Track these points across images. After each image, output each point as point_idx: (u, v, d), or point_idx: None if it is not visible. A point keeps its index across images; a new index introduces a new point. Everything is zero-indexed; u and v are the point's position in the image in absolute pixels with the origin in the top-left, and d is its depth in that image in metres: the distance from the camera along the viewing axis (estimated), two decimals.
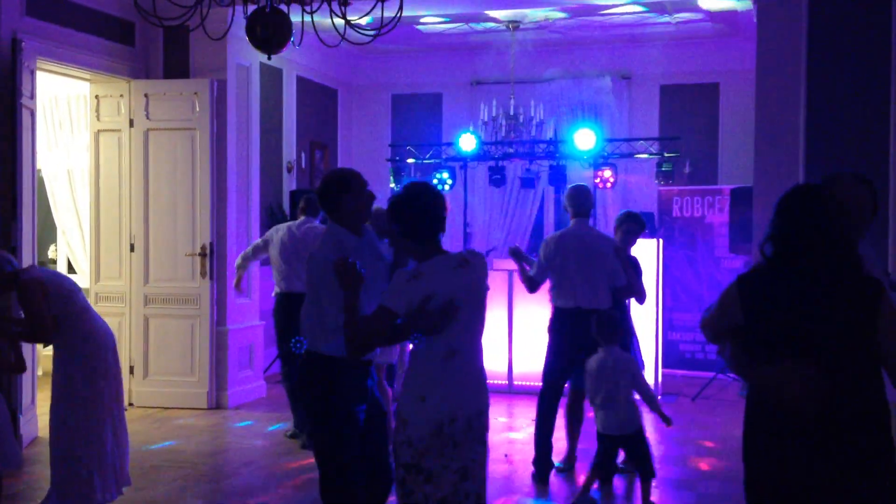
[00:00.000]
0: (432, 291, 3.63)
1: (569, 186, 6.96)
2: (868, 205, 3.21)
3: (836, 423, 2.97)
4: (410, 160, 11.84)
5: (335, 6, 4.72)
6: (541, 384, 6.65)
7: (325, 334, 4.22)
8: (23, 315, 5.13)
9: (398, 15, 4.72)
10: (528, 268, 6.60)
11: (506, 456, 7.25)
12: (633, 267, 6.63)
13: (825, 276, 3.04)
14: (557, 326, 6.48)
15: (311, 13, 4.69)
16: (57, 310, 5.07)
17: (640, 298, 6.68)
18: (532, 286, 6.63)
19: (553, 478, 6.56)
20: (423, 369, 3.71)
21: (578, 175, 11.88)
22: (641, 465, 5.88)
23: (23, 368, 5.37)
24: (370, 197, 4.43)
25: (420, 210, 3.77)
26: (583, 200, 6.58)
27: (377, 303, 3.71)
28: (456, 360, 3.71)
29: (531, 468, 6.68)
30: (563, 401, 6.71)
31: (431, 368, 3.69)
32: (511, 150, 11.44)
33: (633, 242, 6.86)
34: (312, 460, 6.92)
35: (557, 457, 6.73)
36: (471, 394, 3.78)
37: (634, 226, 6.82)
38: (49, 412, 5.20)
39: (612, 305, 6.38)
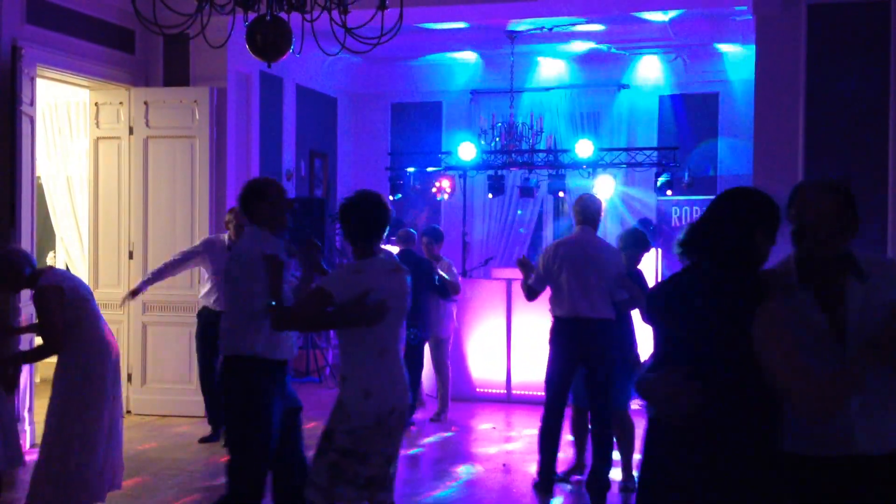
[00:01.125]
0: (371, 287, 4.02)
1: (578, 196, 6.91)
2: (832, 214, 3.03)
3: (706, 432, 2.86)
4: (410, 169, 11.85)
5: (335, 14, 4.72)
6: (539, 394, 6.62)
7: (243, 333, 4.45)
8: (25, 315, 5.14)
9: (398, 23, 4.72)
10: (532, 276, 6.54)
11: (504, 465, 7.23)
12: (640, 287, 6.56)
13: (708, 279, 2.97)
14: (555, 336, 6.35)
15: (312, 21, 4.69)
16: (70, 316, 5.09)
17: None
18: (531, 294, 6.53)
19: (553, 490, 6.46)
20: (363, 367, 4.08)
21: (577, 184, 11.91)
22: None
23: (12, 388, 5.36)
24: (288, 205, 4.77)
25: (363, 214, 4.19)
26: (588, 209, 6.43)
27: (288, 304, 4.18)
28: (387, 357, 4.10)
29: (530, 478, 6.66)
30: (568, 412, 6.60)
31: (370, 365, 4.08)
32: (510, 160, 11.45)
33: (639, 261, 6.74)
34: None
35: (560, 466, 6.67)
36: (402, 389, 4.16)
37: (638, 250, 6.68)
38: (46, 414, 5.19)
39: (616, 317, 6.29)
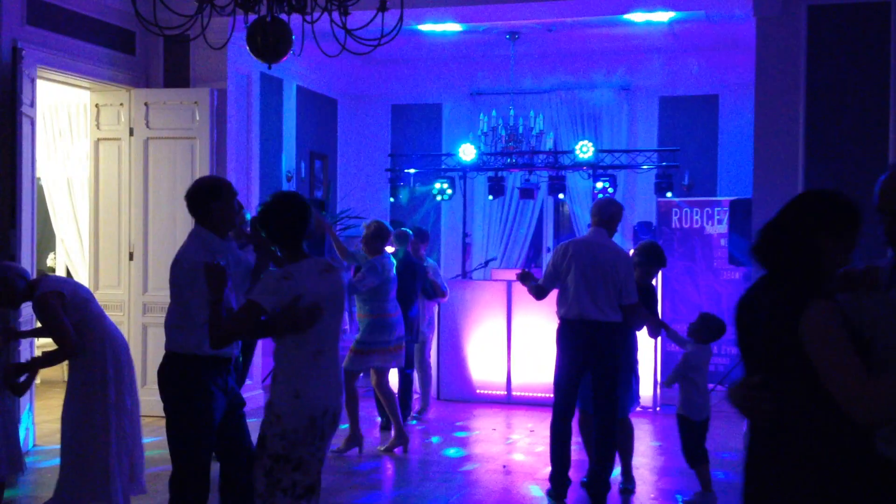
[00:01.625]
0: (301, 292, 3.93)
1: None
2: None
3: (773, 437, 2.81)
4: (412, 170, 11.85)
5: (336, 16, 4.72)
6: (540, 395, 6.57)
7: (187, 333, 4.47)
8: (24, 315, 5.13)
9: (398, 25, 4.73)
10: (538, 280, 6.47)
11: (504, 467, 7.23)
12: (647, 303, 6.55)
13: (770, 290, 2.87)
14: (561, 338, 6.24)
15: (312, 23, 4.69)
16: (75, 318, 5.06)
17: (652, 332, 6.58)
18: (539, 293, 6.39)
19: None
20: (294, 367, 3.99)
21: (578, 186, 11.92)
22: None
23: (23, 393, 5.36)
24: (239, 205, 4.74)
25: (286, 217, 4.06)
26: (604, 210, 6.31)
27: (241, 301, 4.10)
28: (322, 358, 4.03)
29: (530, 479, 6.65)
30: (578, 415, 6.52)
31: (302, 366, 3.99)
32: (510, 161, 11.45)
33: (653, 276, 6.68)
34: None
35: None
36: (336, 391, 4.10)
37: (653, 266, 6.59)
38: (61, 416, 5.20)
39: (623, 321, 6.18)
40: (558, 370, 6.25)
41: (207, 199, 4.53)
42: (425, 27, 10.42)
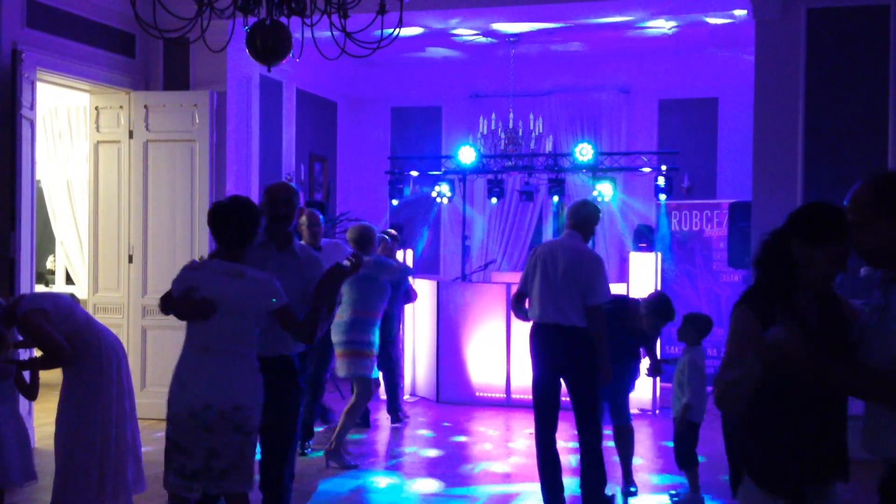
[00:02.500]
0: (195, 286, 4.33)
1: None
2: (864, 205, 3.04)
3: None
4: (414, 173, 11.86)
5: (335, 19, 4.73)
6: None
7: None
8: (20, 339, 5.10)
9: (397, 29, 4.73)
10: None
11: (505, 474, 7.23)
12: (651, 349, 6.54)
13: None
14: (531, 341, 6.10)
15: (311, 26, 4.70)
16: (65, 329, 5.00)
17: (651, 370, 6.62)
18: (518, 298, 6.23)
19: None
20: (183, 359, 4.40)
21: (577, 188, 11.92)
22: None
23: (34, 395, 5.33)
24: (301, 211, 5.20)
25: (233, 219, 4.42)
26: (577, 213, 6.16)
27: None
28: (209, 356, 4.30)
29: (529, 482, 6.64)
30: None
31: (189, 359, 4.37)
32: (510, 164, 11.46)
33: (659, 332, 6.53)
34: (312, 470, 6.91)
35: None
36: (226, 390, 4.27)
37: (659, 320, 6.40)
38: (55, 420, 5.19)
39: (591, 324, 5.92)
40: (532, 374, 6.12)
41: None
42: (425, 29, 10.42)
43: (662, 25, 10.40)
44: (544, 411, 6.06)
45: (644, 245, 10.34)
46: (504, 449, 7.94)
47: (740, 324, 2.99)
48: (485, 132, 11.55)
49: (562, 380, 6.02)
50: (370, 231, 7.51)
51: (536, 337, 6.05)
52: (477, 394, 9.71)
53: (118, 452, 5.23)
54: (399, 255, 9.42)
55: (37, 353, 6.09)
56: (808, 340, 2.76)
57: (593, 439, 5.97)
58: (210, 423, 4.25)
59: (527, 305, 6.18)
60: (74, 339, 5.05)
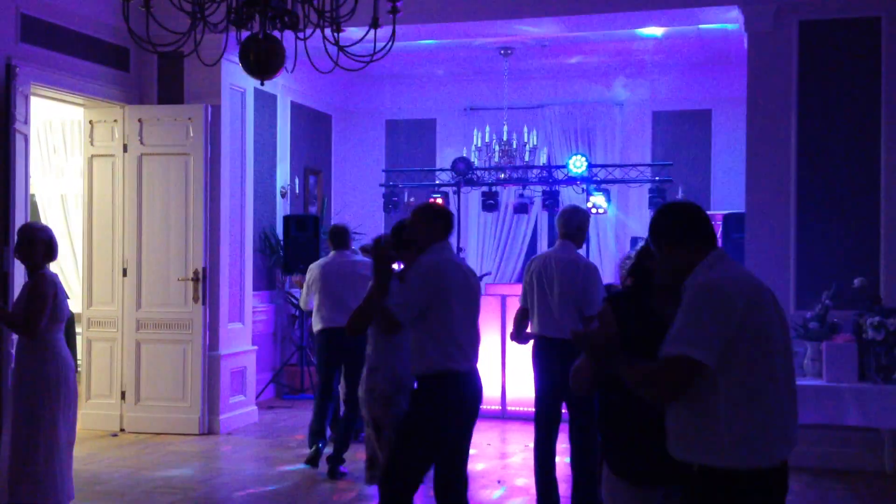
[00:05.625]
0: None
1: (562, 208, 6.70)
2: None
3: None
4: (412, 184, 11.86)
5: (328, 32, 4.74)
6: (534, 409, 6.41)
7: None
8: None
9: (391, 42, 4.74)
10: None
11: (499, 481, 7.22)
12: None
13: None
14: (533, 354, 6.14)
15: (304, 39, 4.70)
16: (52, 315, 5.42)
17: None
18: (522, 315, 6.25)
19: None
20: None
21: (571, 201, 11.93)
22: None
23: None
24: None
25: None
26: (569, 222, 6.11)
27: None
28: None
29: (525, 494, 6.62)
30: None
31: None
32: (504, 176, 11.48)
33: None
34: (305, 485, 6.90)
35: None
36: None
37: None
38: (13, 417, 5.44)
39: None
40: (535, 388, 6.15)
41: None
42: (419, 43, 10.44)
43: (656, 37, 10.43)
44: (545, 424, 6.07)
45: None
46: (500, 461, 7.93)
47: (599, 318, 3.52)
48: (479, 145, 11.57)
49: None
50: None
51: (538, 350, 6.09)
52: None
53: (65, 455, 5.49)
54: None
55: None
56: (615, 336, 3.13)
57: (590, 458, 5.91)
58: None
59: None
60: (49, 332, 5.44)
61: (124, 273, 8.88)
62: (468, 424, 4.72)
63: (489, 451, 8.33)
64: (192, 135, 8.75)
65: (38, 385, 5.35)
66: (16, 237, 5.91)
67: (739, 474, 2.88)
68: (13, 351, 7.10)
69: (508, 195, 12.21)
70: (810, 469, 7.31)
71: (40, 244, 5.55)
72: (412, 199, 11.98)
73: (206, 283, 8.73)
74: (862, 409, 6.71)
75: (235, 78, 8.96)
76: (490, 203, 11.48)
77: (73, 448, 5.63)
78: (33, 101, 7.83)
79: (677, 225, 3.14)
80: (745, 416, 2.88)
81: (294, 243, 10.38)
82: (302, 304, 8.13)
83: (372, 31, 4.63)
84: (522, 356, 9.35)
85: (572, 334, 3.15)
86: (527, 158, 11.48)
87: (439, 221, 4.72)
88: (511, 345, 9.44)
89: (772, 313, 2.99)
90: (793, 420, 3.00)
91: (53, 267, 11.00)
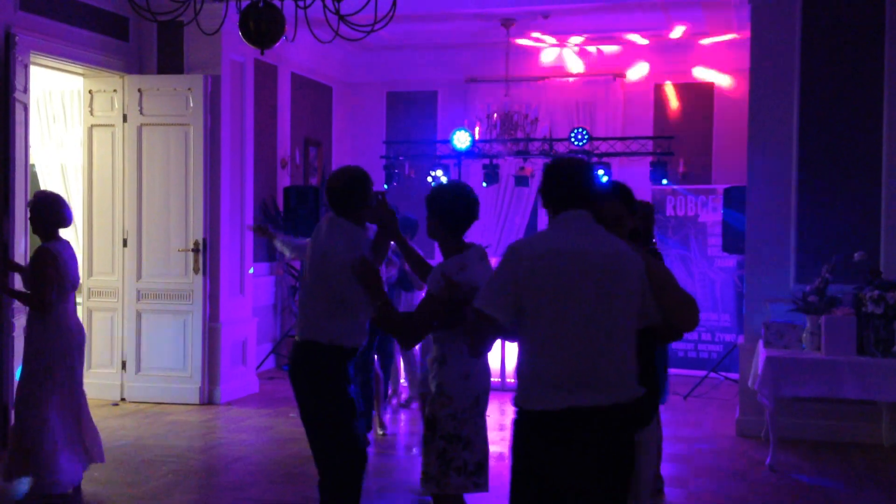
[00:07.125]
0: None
1: None
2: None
3: None
4: (412, 156, 11.82)
5: (328, 2, 4.71)
6: None
7: (340, 324, 4.41)
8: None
9: (392, 12, 4.72)
10: None
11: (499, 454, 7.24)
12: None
13: None
14: None
15: (305, 8, 4.68)
16: (58, 285, 5.60)
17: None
18: None
19: None
20: (457, 350, 4.19)
21: None
22: None
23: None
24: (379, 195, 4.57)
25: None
26: None
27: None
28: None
29: None
30: None
31: (463, 349, 4.07)
32: (505, 148, 11.44)
33: None
34: (304, 455, 6.92)
35: None
36: (488, 372, 4.39)
37: None
38: (18, 385, 5.74)
39: None
40: None
41: (353, 190, 4.37)
42: (419, 13, 10.38)
43: (657, 9, 10.37)
44: None
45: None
46: (497, 432, 7.96)
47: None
48: (480, 117, 11.52)
49: None
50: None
51: None
52: None
53: (64, 427, 5.71)
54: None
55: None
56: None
57: None
58: (484, 407, 4.29)
59: None
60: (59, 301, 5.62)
61: (125, 243, 8.89)
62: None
63: (488, 421, 8.35)
64: (191, 105, 8.72)
65: (46, 359, 5.58)
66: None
67: (527, 414, 3.22)
68: (14, 321, 7.15)
69: (509, 168, 12.18)
70: (808, 441, 7.37)
71: (36, 215, 5.78)
72: (412, 173, 11.95)
73: (206, 254, 8.73)
74: (860, 383, 6.74)
75: (236, 48, 8.92)
76: (490, 176, 11.45)
77: (86, 416, 5.88)
78: (33, 70, 7.80)
79: (543, 184, 3.38)
80: (530, 363, 3.21)
81: (294, 215, 10.35)
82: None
83: (373, 1, 4.61)
84: None
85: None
86: (528, 131, 11.42)
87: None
88: None
89: (574, 275, 3.14)
90: (592, 372, 3.15)
91: None
